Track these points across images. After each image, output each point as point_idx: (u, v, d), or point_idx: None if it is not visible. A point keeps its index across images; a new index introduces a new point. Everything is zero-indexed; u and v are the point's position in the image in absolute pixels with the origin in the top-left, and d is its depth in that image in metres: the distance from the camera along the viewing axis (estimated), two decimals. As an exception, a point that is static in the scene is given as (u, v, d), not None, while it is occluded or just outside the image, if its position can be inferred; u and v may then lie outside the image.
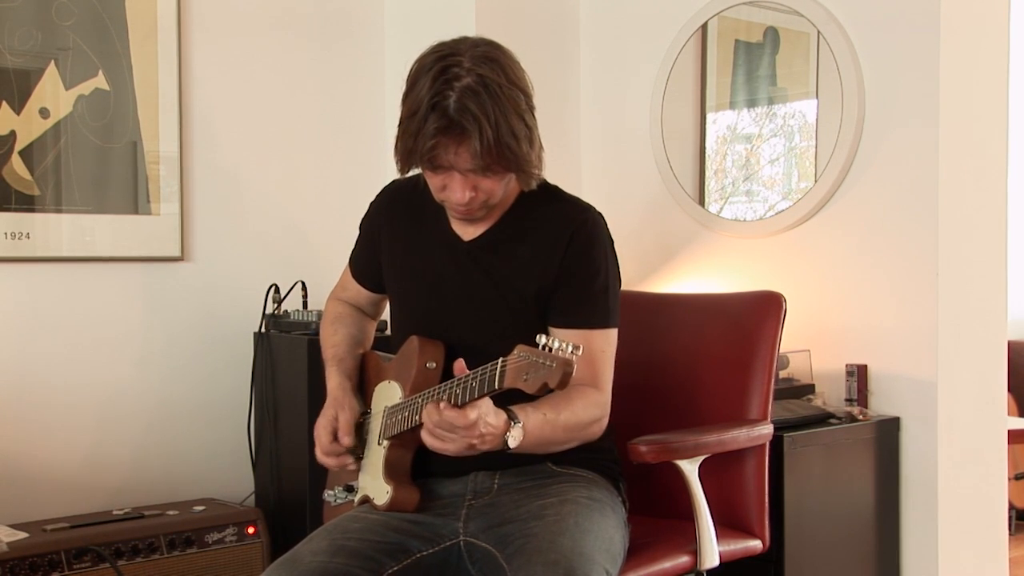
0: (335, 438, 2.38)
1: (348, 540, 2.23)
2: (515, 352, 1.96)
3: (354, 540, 2.23)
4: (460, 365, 2.15)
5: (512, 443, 2.13)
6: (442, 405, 2.10)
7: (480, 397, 2.04)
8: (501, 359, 1.98)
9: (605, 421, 2.33)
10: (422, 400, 2.17)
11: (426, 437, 2.14)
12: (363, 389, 2.51)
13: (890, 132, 3.26)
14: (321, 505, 2.62)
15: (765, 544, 2.58)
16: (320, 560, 2.16)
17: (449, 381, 2.11)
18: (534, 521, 2.19)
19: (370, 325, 2.66)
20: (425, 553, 2.26)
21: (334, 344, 2.55)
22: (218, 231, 3.58)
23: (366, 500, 2.38)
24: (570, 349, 1.89)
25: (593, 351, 2.22)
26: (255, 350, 3.51)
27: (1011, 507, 4.58)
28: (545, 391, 1.92)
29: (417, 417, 2.17)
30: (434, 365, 2.28)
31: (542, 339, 1.92)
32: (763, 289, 2.75)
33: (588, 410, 2.26)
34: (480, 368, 2.03)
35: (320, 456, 2.41)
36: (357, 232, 2.59)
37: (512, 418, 2.13)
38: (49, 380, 3.30)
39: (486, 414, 2.09)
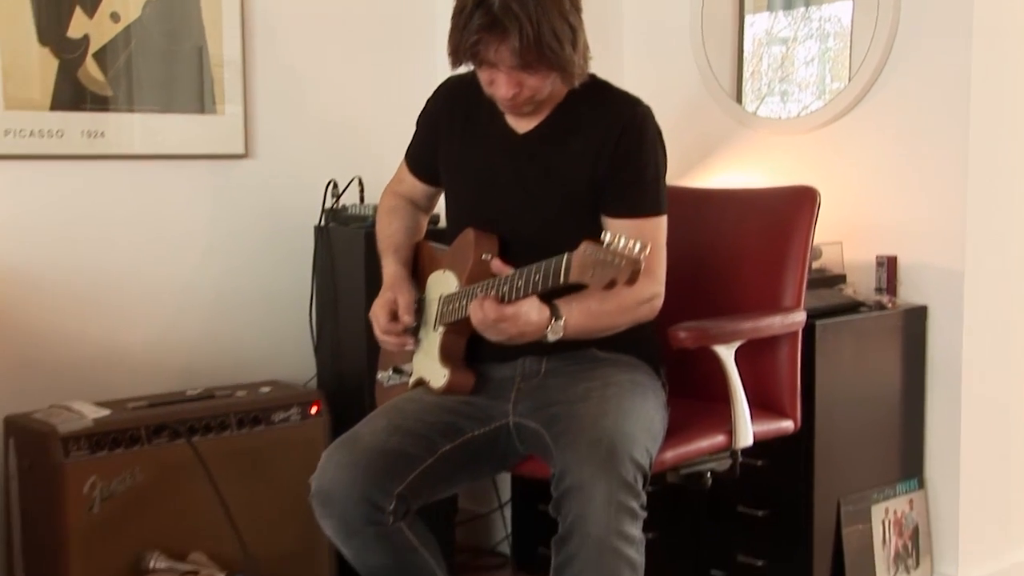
0: (393, 318, 2.45)
1: (404, 420, 2.34)
2: (581, 248, 2.01)
3: (410, 420, 2.34)
4: (498, 264, 2.22)
5: (551, 337, 2.21)
6: (478, 301, 2.18)
7: (542, 290, 2.10)
8: (567, 254, 2.04)
9: (658, 302, 2.37)
10: (481, 290, 2.24)
11: (476, 325, 2.23)
12: (416, 277, 2.57)
13: (924, 33, 3.24)
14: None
15: (797, 424, 2.65)
16: (379, 439, 2.28)
17: (511, 273, 2.17)
18: (579, 403, 2.27)
19: (423, 218, 2.71)
20: (477, 433, 2.38)
21: (389, 235, 2.62)
22: (279, 130, 3.60)
23: (421, 382, 2.46)
24: (637, 248, 1.95)
25: (644, 237, 2.15)
26: (315, 242, 3.55)
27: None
28: (611, 287, 1.99)
29: None
30: (489, 257, 2.32)
31: (607, 237, 1.97)
32: (798, 184, 2.78)
33: (636, 296, 2.29)
34: (544, 261, 2.09)
35: (380, 335, 2.47)
36: (411, 129, 2.63)
37: (555, 314, 2.20)
38: (125, 269, 3.35)
39: (528, 311, 2.16)
